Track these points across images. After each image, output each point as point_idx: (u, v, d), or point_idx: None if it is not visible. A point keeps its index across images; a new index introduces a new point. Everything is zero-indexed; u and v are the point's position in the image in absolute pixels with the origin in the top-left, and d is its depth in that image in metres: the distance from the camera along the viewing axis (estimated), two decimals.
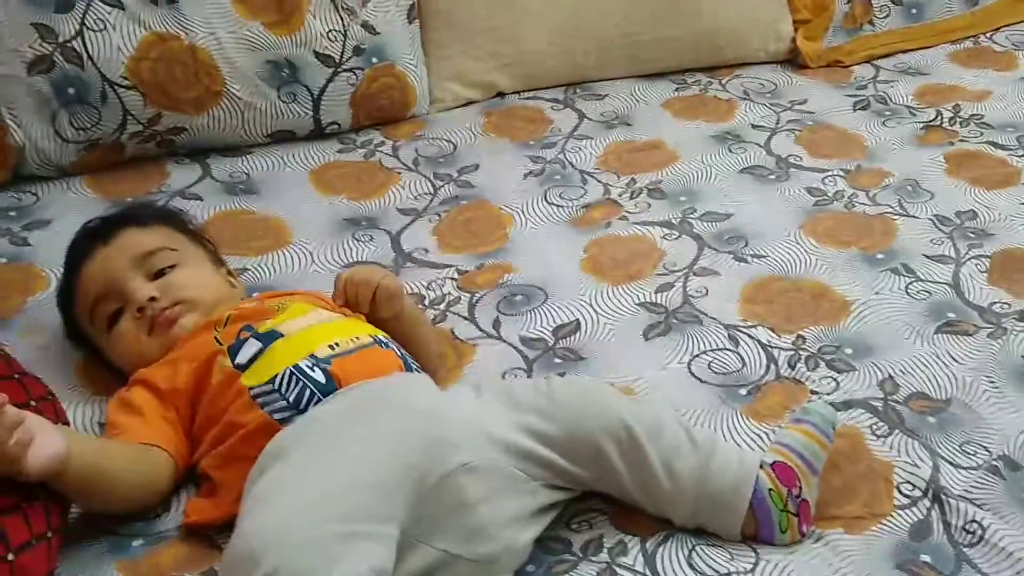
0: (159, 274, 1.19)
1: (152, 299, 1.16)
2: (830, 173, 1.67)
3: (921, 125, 1.82)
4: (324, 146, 1.73)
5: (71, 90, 1.57)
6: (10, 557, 0.84)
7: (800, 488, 1.01)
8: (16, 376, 0.99)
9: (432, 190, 1.62)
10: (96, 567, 0.98)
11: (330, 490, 0.90)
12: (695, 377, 1.23)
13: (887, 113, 1.87)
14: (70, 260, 1.24)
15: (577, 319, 1.33)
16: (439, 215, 1.56)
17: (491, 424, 1.01)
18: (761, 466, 1.02)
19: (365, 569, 0.86)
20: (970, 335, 1.30)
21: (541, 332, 1.31)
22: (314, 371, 1.06)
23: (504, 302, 1.36)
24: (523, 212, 1.57)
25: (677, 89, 1.94)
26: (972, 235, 1.50)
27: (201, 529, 1.02)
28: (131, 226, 1.24)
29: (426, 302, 1.36)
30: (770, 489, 1.01)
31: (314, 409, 1.02)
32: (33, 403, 0.97)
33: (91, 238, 1.23)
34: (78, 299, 1.21)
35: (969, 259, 1.45)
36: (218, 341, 1.12)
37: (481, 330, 1.31)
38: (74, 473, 0.94)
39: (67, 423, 1.03)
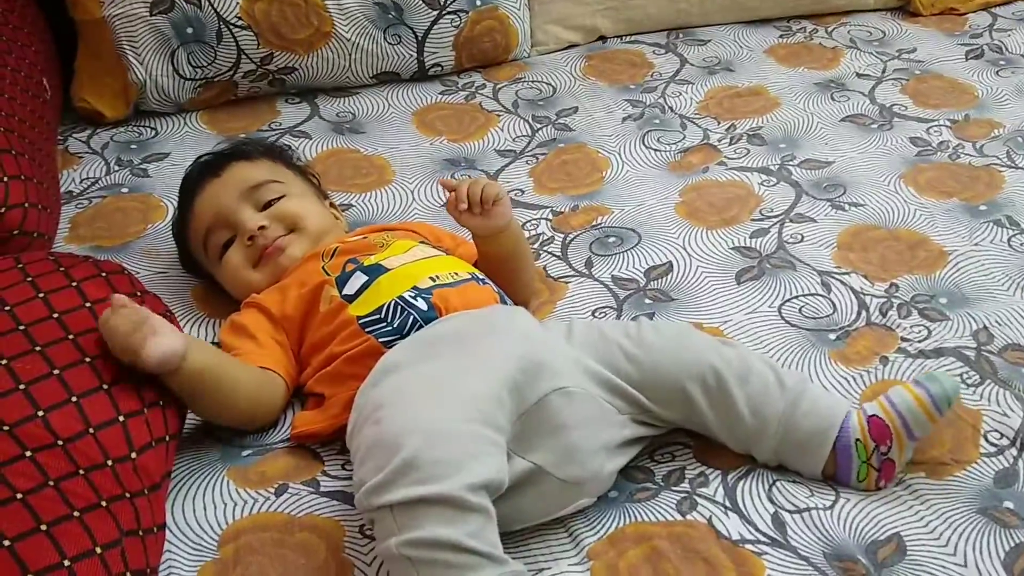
0: (267, 205, 1.25)
1: (262, 228, 1.22)
2: (936, 123, 1.64)
3: None
4: (427, 88, 1.77)
5: (189, 30, 1.64)
6: (133, 455, 0.91)
7: (890, 447, 1.01)
8: (138, 294, 1.06)
9: (530, 132, 1.65)
10: (209, 472, 1.06)
11: (455, 395, 0.93)
12: (785, 321, 1.24)
13: (1002, 63, 1.82)
14: (183, 194, 1.30)
15: (670, 261, 1.35)
16: (536, 157, 1.59)
17: (583, 358, 1.04)
18: (861, 412, 1.02)
19: (494, 472, 0.89)
20: None
21: (633, 273, 1.33)
22: (417, 300, 1.10)
23: (597, 243, 1.39)
24: (620, 156, 1.58)
25: (781, 36, 1.92)
26: None
27: (307, 440, 1.09)
28: (239, 160, 1.29)
29: None
30: (857, 440, 1.01)
31: (420, 331, 1.06)
32: None
33: (202, 172, 1.29)
34: (191, 230, 1.27)
35: None
36: (325, 271, 1.17)
37: (573, 269, 1.34)
38: (189, 372, 0.99)
39: None
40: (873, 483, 1.02)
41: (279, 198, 1.25)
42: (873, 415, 1.02)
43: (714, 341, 1.08)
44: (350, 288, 1.14)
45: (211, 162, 1.30)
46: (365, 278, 1.14)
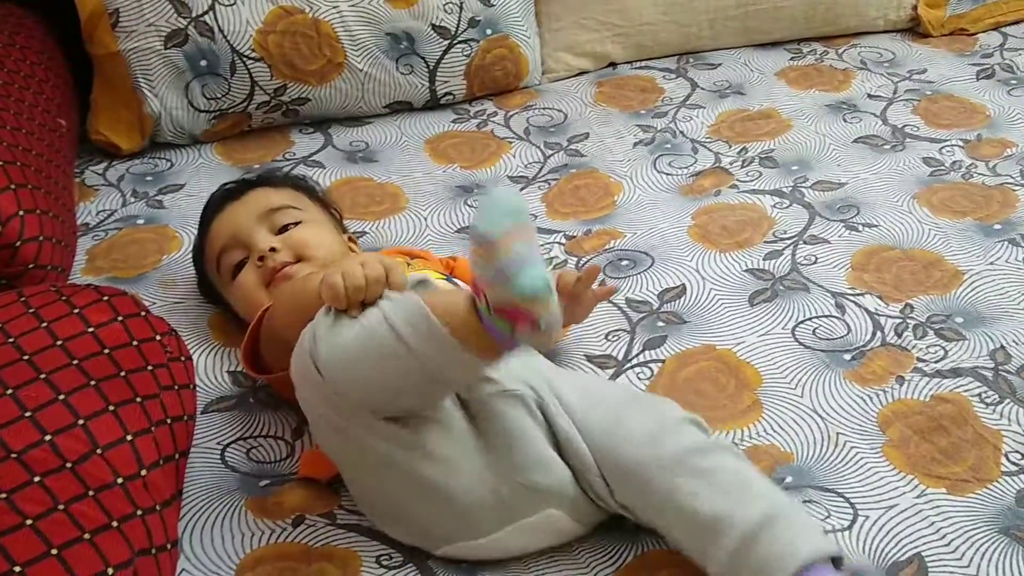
0: (283, 229, 1.25)
1: (273, 249, 1.22)
2: (948, 143, 1.64)
3: None
4: (439, 116, 1.78)
5: (203, 62, 1.66)
6: (143, 472, 0.91)
7: None
8: (142, 314, 1.06)
9: (542, 158, 1.66)
10: (228, 502, 1.06)
11: None
12: (799, 343, 1.24)
13: (1013, 82, 1.81)
14: (204, 215, 1.31)
15: (683, 284, 1.35)
16: (548, 183, 1.59)
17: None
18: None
19: None
20: None
21: (646, 295, 1.33)
22: None
23: (611, 265, 1.39)
24: (632, 180, 1.59)
25: (792, 58, 1.92)
26: None
27: (315, 480, 1.08)
28: (262, 186, 1.31)
29: None
30: None
31: None
32: (158, 337, 1.05)
33: (224, 196, 1.31)
34: (207, 250, 1.28)
35: None
36: None
37: None
38: None
39: (189, 358, 1.10)
40: None
41: (295, 224, 1.26)
42: None
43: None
44: None
45: (235, 188, 1.33)
46: None
